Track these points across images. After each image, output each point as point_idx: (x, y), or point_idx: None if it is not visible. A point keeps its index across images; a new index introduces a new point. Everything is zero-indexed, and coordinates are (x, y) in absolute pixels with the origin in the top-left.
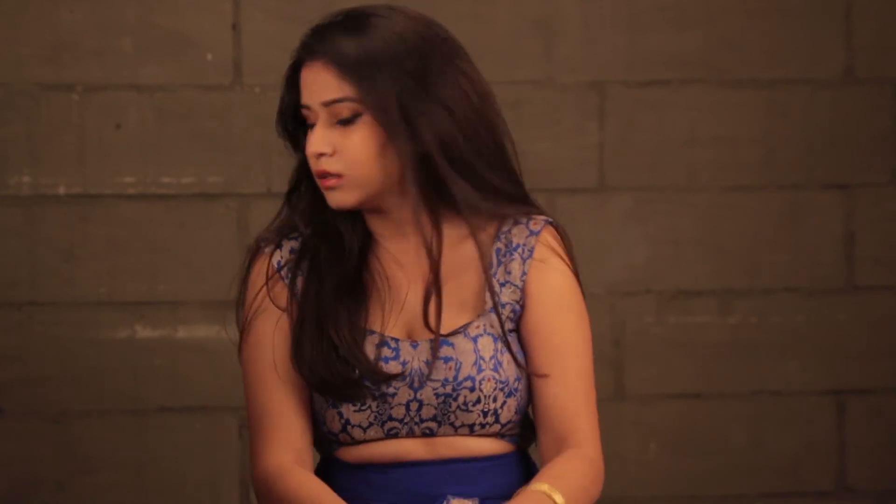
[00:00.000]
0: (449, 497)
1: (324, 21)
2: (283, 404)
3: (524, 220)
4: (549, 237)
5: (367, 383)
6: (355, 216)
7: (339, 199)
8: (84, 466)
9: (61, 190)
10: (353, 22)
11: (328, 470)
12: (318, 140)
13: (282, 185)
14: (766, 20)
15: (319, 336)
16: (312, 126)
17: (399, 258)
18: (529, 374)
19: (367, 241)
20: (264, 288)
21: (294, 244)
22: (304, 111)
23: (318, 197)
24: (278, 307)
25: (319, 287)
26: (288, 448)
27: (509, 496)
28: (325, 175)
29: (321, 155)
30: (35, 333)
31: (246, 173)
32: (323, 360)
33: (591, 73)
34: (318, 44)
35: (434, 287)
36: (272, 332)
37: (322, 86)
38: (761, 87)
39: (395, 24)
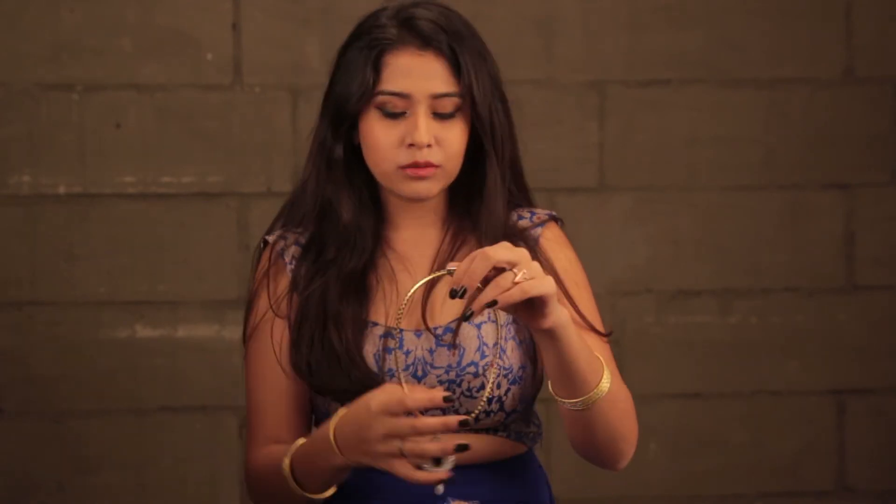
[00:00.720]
0: (449, 499)
1: (397, 8)
2: (279, 404)
3: (527, 216)
4: (552, 230)
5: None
6: (368, 214)
7: (428, 189)
8: (84, 466)
9: (61, 190)
10: (436, 11)
11: None
12: (428, 129)
13: (282, 184)
14: (766, 20)
15: (320, 340)
16: (394, 115)
17: (405, 251)
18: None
19: (376, 236)
20: (270, 283)
21: (300, 237)
22: (391, 98)
23: (330, 194)
24: (280, 296)
25: (324, 289)
26: (275, 442)
27: (511, 499)
28: (427, 165)
29: (428, 145)
30: (35, 333)
31: (246, 173)
32: (323, 365)
33: (591, 72)
34: (423, 29)
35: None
36: (277, 331)
37: (435, 77)
38: (761, 87)
39: (464, 18)
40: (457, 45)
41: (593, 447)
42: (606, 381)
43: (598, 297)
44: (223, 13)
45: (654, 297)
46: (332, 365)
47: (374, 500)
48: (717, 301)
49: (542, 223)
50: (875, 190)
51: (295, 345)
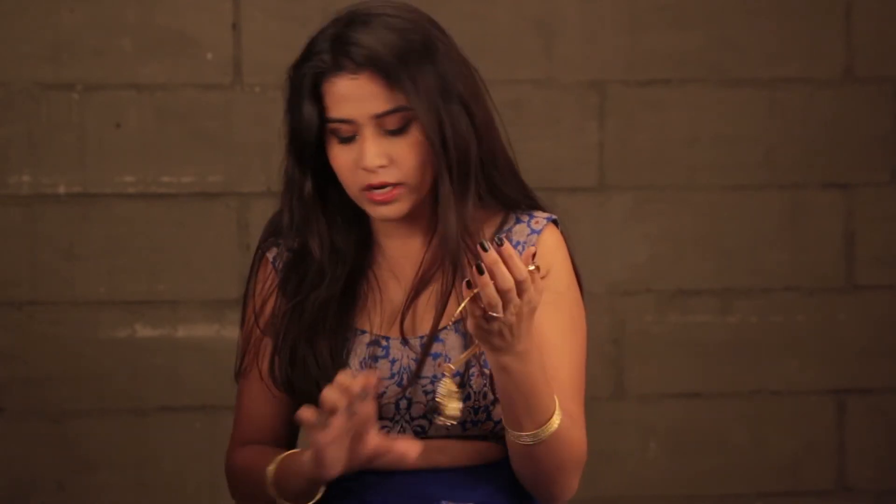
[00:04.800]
0: (443, 503)
1: (337, 27)
2: (262, 407)
3: (525, 219)
4: (550, 237)
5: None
6: (352, 231)
7: (395, 210)
8: (84, 466)
9: (61, 189)
10: (374, 25)
11: None
12: (376, 153)
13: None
14: (766, 20)
15: (301, 353)
16: (346, 139)
17: (395, 259)
18: None
19: (362, 246)
20: (262, 298)
21: (292, 242)
22: (338, 125)
23: (304, 231)
24: (268, 312)
25: (301, 311)
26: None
27: (506, 502)
28: (384, 187)
29: (380, 167)
30: (35, 333)
31: (246, 173)
32: (300, 380)
33: (591, 72)
34: (353, 54)
35: (416, 290)
36: (264, 346)
37: (372, 98)
38: (761, 87)
39: (414, 22)
40: (391, 60)
41: (528, 482)
42: (556, 419)
43: (598, 297)
44: (223, 13)
45: (654, 296)
46: (308, 382)
47: (368, 499)
48: (718, 300)
49: (538, 230)
50: (875, 190)
51: (271, 364)
